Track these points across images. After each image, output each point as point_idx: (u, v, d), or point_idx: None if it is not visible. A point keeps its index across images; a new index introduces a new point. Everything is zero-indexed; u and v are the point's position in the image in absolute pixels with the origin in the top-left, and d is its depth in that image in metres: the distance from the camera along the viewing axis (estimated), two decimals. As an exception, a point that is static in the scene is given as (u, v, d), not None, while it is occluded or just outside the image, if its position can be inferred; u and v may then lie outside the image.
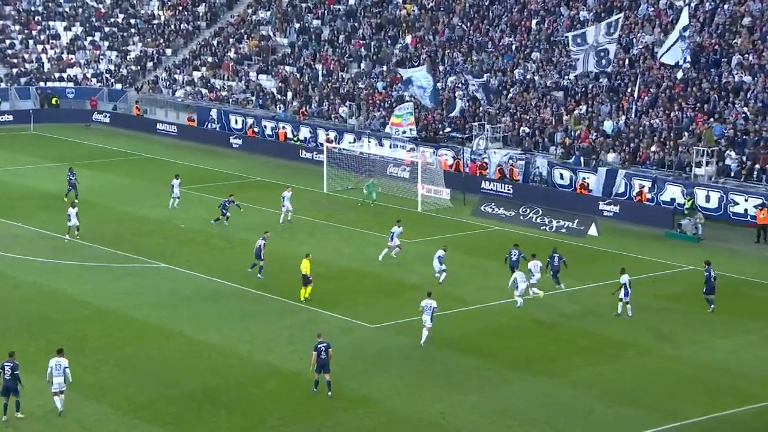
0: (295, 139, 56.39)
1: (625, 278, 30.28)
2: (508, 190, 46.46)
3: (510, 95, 51.43)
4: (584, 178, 44.87)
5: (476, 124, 49.42)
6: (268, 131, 58.24)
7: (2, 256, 35.34)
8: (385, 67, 58.46)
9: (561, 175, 46.19)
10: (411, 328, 29.33)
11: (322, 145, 51.97)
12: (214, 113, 60.96)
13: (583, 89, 49.48)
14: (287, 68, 62.43)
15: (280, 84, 61.27)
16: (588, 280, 32.89)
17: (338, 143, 52.58)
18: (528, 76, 52.08)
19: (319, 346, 24.67)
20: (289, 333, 28.88)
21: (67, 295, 31.56)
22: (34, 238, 38.10)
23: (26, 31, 71.20)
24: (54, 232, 38.58)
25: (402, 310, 30.89)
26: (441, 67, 55.94)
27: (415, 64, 56.37)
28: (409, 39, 59.60)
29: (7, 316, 29.54)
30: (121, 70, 69.03)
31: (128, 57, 70.29)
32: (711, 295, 30.62)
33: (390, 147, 50.75)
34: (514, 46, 54.96)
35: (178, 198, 42.68)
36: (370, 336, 28.85)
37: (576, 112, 48.46)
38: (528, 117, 49.71)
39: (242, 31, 67.50)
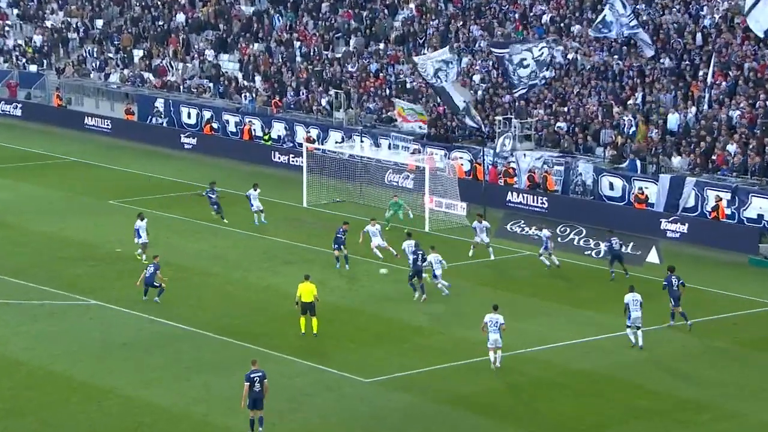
0: (266, 137, 56.71)
1: (629, 297, 31.48)
2: (542, 203, 46.73)
3: (543, 81, 51.69)
4: (641, 189, 45.17)
5: (500, 118, 49.73)
6: (231, 127, 58.59)
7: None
8: (381, 45, 58.88)
9: (611, 184, 46.46)
10: (415, 382, 29.46)
11: (300, 145, 52.26)
12: (159, 104, 61.31)
13: (639, 71, 49.70)
14: (255, 46, 62.84)
15: (245, 66, 61.64)
16: (647, 320, 33.07)
17: (322, 143, 52.89)
18: (569, 56, 52.50)
19: (252, 375, 25.75)
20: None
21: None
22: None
23: None
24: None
25: (404, 359, 31.04)
26: (455, 44, 56.37)
27: (420, 41, 56.69)
28: (412, 7, 60.06)
29: None
30: (35, 45, 69.31)
31: (45, 29, 70.61)
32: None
33: (389, 148, 51.07)
34: (548, 17, 55.44)
35: (262, 211, 43.48)
36: (363, 393, 29.01)
37: (631, 101, 48.78)
38: (567, 109, 50.08)
39: (195, -5, 68.01)
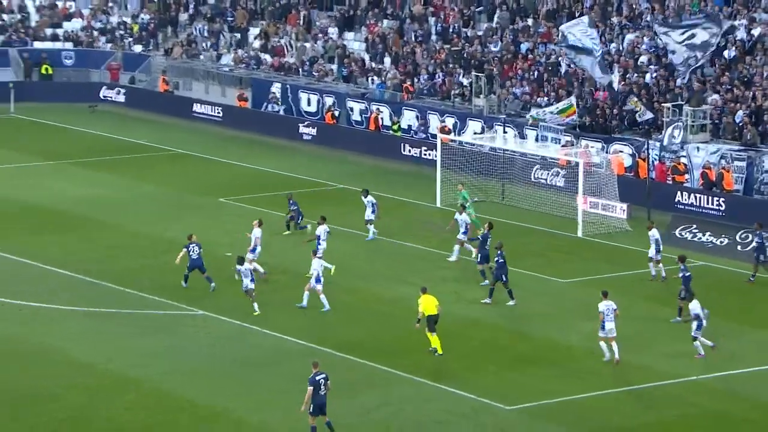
0: (395, 127, 56.99)
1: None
2: (719, 205, 45.98)
3: (720, 63, 50.86)
4: (837, 189, 44.07)
5: (668, 106, 49.04)
6: (356, 116, 59.07)
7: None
8: (530, 21, 58.63)
9: (801, 183, 45.61)
10: (564, 411, 29.37)
11: (435, 136, 52.39)
12: (276, 89, 62.19)
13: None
14: (384, 23, 63.22)
15: (373, 46, 62.07)
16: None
17: (459, 134, 52.95)
18: (754, 32, 51.37)
19: (317, 378, 26.60)
20: (382, 416, 29.19)
21: (64, 357, 32.44)
22: (15, 271, 39.43)
23: (7, -31, 74.05)
24: (44, 264, 39.90)
25: (551, 384, 30.92)
26: (615, 19, 55.76)
27: (577, 15, 56.26)
28: (567, -23, 59.63)
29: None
30: (142, 23, 71.01)
31: (152, 4, 72.26)
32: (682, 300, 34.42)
33: (537, 140, 50.79)
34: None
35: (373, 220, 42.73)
36: (504, 422, 28.97)
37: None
38: (752, 95, 49.02)
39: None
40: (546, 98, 53.07)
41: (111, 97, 67.04)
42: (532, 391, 30.55)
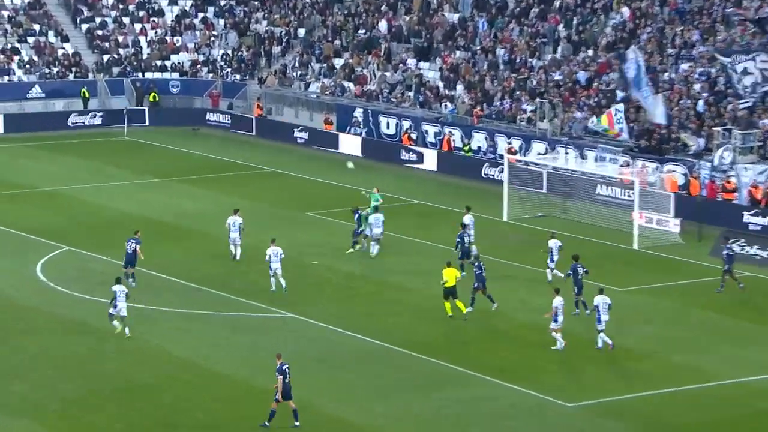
0: (466, 148, 56.57)
1: (598, 299, 32.35)
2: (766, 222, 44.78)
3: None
4: None
5: (719, 129, 47.93)
6: (430, 137, 58.68)
7: (83, 299, 36.86)
8: (590, 52, 57.79)
9: (843, 201, 44.17)
10: (625, 409, 28.74)
11: (501, 156, 51.91)
12: (358, 114, 62.03)
13: None
14: (458, 53, 62.82)
15: (447, 74, 61.68)
16: None
17: (524, 155, 52.38)
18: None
19: (284, 368, 27.46)
20: (456, 411, 28.81)
21: (165, 354, 32.60)
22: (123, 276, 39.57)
23: (121, 7, 74.86)
24: (149, 269, 40.04)
25: (612, 383, 30.41)
26: (670, 50, 54.72)
27: (635, 47, 55.24)
28: (626, 12, 58.68)
29: (89, 380, 30.67)
30: (240, 55, 71.30)
31: (249, 38, 72.58)
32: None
33: (596, 160, 50.06)
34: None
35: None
36: (568, 418, 28.51)
37: None
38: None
39: (398, 2, 68.45)
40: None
41: (215, 121, 67.25)
42: (593, 389, 30.00)
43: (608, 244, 43.84)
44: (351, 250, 41.85)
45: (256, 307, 36.42)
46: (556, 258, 38.21)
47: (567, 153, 51.24)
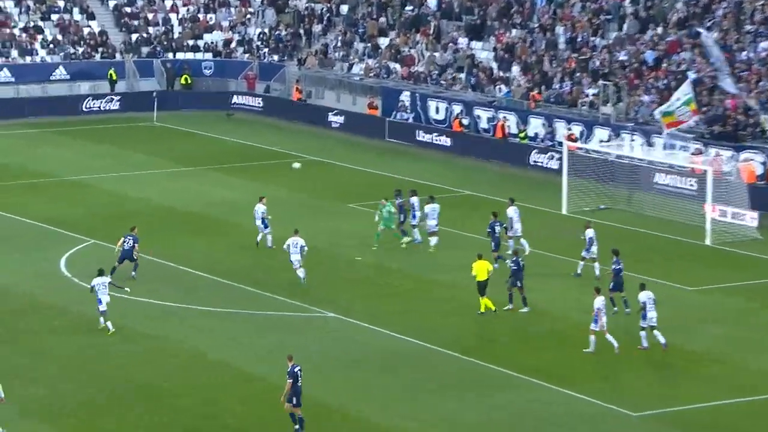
0: (522, 135, 56.08)
1: (644, 296, 32.32)
2: None
3: None
4: None
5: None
6: (483, 123, 58.24)
7: (111, 296, 36.65)
8: (659, 29, 57.00)
9: None
10: (693, 419, 28.45)
11: (561, 144, 51.39)
12: (405, 97, 61.65)
13: None
14: (513, 31, 62.28)
15: (502, 54, 61.15)
16: None
17: (585, 142, 51.91)
18: None
19: (295, 370, 27.31)
20: (504, 417, 28.61)
21: (196, 354, 32.62)
22: (150, 270, 39.62)
23: (151, -17, 75.17)
24: (178, 264, 39.93)
25: (678, 390, 30.07)
26: (748, 27, 53.79)
27: (708, 24, 54.42)
28: (698, -15, 57.84)
29: (113, 380, 30.79)
30: (278, 34, 71.13)
31: (288, 16, 72.43)
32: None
33: (664, 148, 49.46)
34: None
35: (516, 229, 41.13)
36: (630, 429, 28.24)
37: None
38: None
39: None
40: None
41: (248, 105, 67.20)
42: (657, 397, 29.64)
43: (678, 240, 43.39)
44: (406, 239, 41.81)
45: (288, 304, 36.35)
46: (593, 249, 37.90)
47: (633, 140, 50.79)
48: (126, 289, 35.23)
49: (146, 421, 28.19)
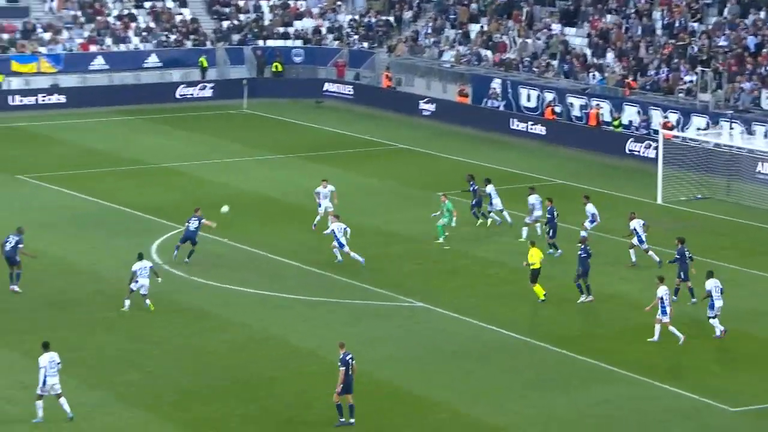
0: (616, 123, 55.48)
1: (710, 284, 32.13)
2: None
3: None
4: None
5: None
6: (576, 111, 57.69)
7: (203, 284, 37.15)
8: (762, 13, 55.95)
9: None
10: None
11: (656, 132, 50.69)
12: (496, 85, 61.31)
13: None
14: (608, 17, 61.58)
15: (596, 40, 60.51)
16: None
17: (682, 130, 51.10)
18: None
19: (347, 358, 27.10)
20: (602, 412, 28.33)
21: (285, 343, 32.71)
22: (243, 260, 39.85)
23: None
24: (269, 252, 40.15)
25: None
26: None
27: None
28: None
29: (209, 370, 30.94)
30: (368, 21, 71.14)
31: (378, 3, 72.35)
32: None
33: (765, 136, 48.61)
34: None
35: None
36: (729, 424, 27.85)
37: None
38: None
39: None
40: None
41: (339, 92, 67.31)
42: (757, 393, 29.16)
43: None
44: (481, 221, 42.39)
45: (382, 294, 36.28)
46: (644, 238, 37.72)
47: (732, 128, 49.94)
48: (159, 279, 35.26)
49: (241, 410, 28.30)
